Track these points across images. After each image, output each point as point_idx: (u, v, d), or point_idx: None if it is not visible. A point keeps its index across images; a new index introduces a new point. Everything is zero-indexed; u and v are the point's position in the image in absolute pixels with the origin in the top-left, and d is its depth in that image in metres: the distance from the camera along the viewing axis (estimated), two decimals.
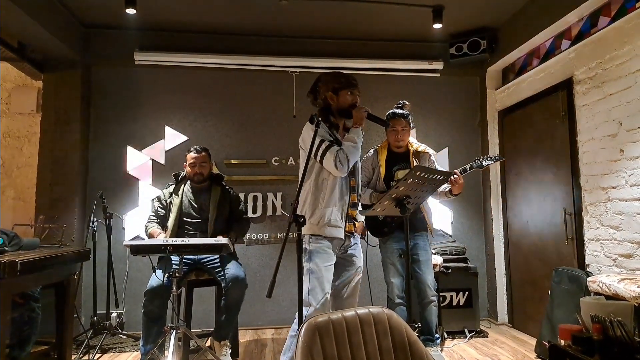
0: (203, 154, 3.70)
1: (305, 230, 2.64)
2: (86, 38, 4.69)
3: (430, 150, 3.72)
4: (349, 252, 2.81)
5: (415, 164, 3.55)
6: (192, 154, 3.68)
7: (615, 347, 2.40)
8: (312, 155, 2.63)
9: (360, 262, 2.85)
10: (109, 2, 4.15)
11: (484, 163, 3.35)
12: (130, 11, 4.06)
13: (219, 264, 3.49)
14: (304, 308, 2.57)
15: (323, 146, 2.63)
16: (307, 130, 2.73)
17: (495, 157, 3.39)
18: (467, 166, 3.35)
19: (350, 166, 2.68)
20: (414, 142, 3.74)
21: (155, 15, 4.48)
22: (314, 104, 2.89)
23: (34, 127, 4.81)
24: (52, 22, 4.04)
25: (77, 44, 4.55)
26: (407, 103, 3.61)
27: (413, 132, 4.74)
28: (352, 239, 2.83)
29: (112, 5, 4.18)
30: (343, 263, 2.79)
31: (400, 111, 3.57)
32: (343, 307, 2.70)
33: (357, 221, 2.90)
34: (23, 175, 4.82)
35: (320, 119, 2.62)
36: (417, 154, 3.64)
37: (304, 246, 2.65)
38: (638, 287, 2.63)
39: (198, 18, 4.56)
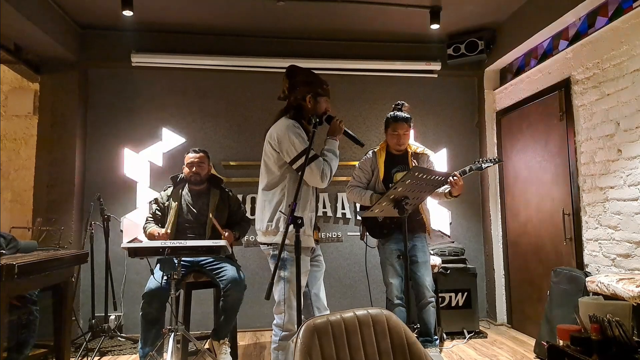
0: (201, 154, 3.70)
1: (274, 239, 2.62)
2: (83, 40, 4.68)
3: (429, 152, 3.72)
4: (315, 253, 2.84)
5: (414, 164, 3.54)
6: (190, 154, 3.69)
7: (614, 347, 2.39)
8: (288, 162, 2.58)
9: (324, 263, 2.91)
10: (106, 3, 4.14)
11: (484, 166, 3.35)
12: (127, 13, 4.05)
13: (217, 266, 3.48)
14: (278, 315, 2.59)
15: (309, 155, 2.49)
16: (286, 133, 2.59)
17: (494, 159, 3.39)
18: (467, 168, 3.35)
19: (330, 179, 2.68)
20: (413, 144, 3.74)
21: (152, 16, 4.47)
22: (283, 98, 2.82)
23: (30, 129, 4.80)
24: (48, 24, 4.03)
25: (73, 46, 4.54)
26: (405, 104, 3.59)
27: (411, 133, 4.74)
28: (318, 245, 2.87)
29: (108, 6, 4.18)
30: (312, 265, 2.79)
31: (402, 114, 3.54)
32: (321, 305, 2.78)
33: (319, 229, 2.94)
34: (20, 178, 4.80)
35: (294, 119, 2.65)
36: (416, 155, 3.63)
37: (275, 253, 2.62)
38: (636, 286, 2.63)
39: (195, 20, 4.56)
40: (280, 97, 2.84)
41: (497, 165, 4.98)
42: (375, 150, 3.72)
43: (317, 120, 2.52)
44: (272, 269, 2.40)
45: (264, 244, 2.69)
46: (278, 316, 2.61)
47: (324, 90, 2.76)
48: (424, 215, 3.62)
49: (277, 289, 2.57)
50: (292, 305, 2.55)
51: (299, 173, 2.49)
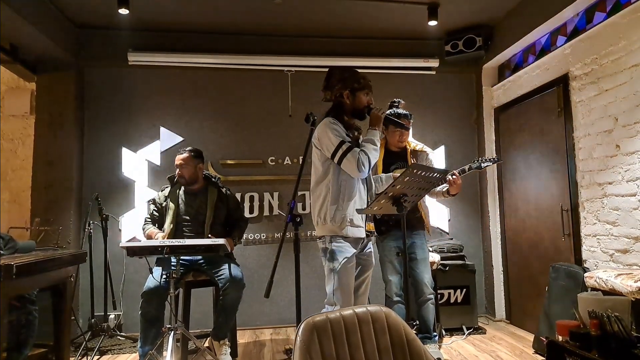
0: (185, 155, 3.64)
1: (325, 231, 2.70)
2: (79, 39, 4.66)
3: (428, 149, 3.71)
4: (366, 250, 2.86)
5: (412, 161, 3.54)
6: (177, 156, 3.68)
7: (613, 342, 2.40)
8: (330, 156, 2.66)
9: (373, 259, 2.92)
10: (102, 2, 4.12)
11: (483, 165, 3.34)
12: (123, 11, 4.04)
13: (216, 265, 3.48)
14: (329, 307, 2.63)
15: (344, 147, 2.63)
16: (324, 129, 2.71)
17: (493, 159, 3.39)
18: (466, 167, 3.34)
19: (371, 168, 2.72)
20: (411, 141, 3.74)
21: (149, 15, 4.45)
22: (325, 99, 2.87)
23: (27, 129, 4.78)
24: (44, 23, 4.01)
25: (70, 45, 4.52)
26: (402, 102, 3.59)
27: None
28: (371, 237, 2.90)
29: (105, 5, 4.16)
30: (360, 262, 2.83)
31: (403, 112, 3.55)
32: (358, 303, 2.77)
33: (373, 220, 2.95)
34: (18, 178, 4.79)
35: (332, 116, 2.69)
36: (415, 152, 3.63)
37: (324, 246, 2.70)
38: (635, 282, 2.64)
39: (192, 18, 4.54)
40: (324, 100, 2.89)
41: None
42: None
43: (314, 118, 2.59)
44: (323, 262, 2.63)
45: (318, 237, 2.79)
46: (329, 307, 2.66)
47: (360, 84, 2.79)
48: (423, 212, 3.62)
49: (329, 280, 2.64)
50: (340, 298, 2.60)
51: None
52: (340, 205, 2.66)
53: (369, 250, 2.90)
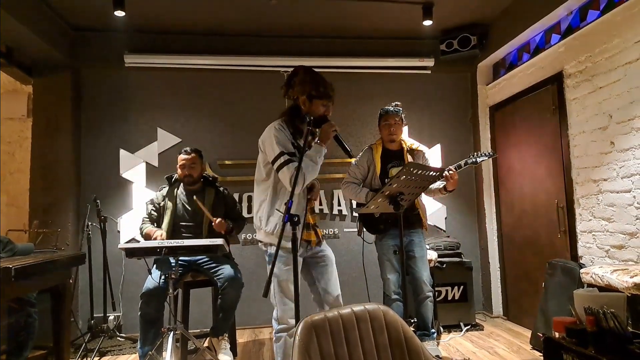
0: (193, 155, 3.68)
1: (262, 237, 2.64)
2: (75, 41, 4.66)
3: (424, 148, 3.74)
4: (315, 249, 2.75)
5: (409, 160, 3.56)
6: (182, 156, 3.68)
7: (609, 338, 2.42)
8: (270, 162, 2.55)
9: (330, 252, 2.82)
10: (98, 4, 4.12)
11: (479, 160, 3.37)
12: (119, 13, 4.03)
13: (215, 265, 3.49)
14: (275, 309, 2.62)
15: (281, 159, 2.48)
16: (269, 134, 2.58)
17: (488, 153, 3.41)
18: (462, 162, 3.37)
19: (306, 184, 2.56)
20: (408, 140, 3.76)
21: (145, 17, 4.46)
22: (284, 96, 2.74)
23: (25, 132, 4.78)
24: (40, 26, 4.01)
25: (66, 48, 4.52)
26: (398, 103, 3.65)
27: (405, 129, 4.76)
28: (314, 246, 2.74)
29: (100, 7, 4.15)
30: (315, 262, 2.75)
31: (392, 107, 3.60)
32: (337, 303, 2.71)
33: (318, 228, 2.80)
34: (15, 181, 4.80)
35: (283, 119, 2.59)
36: (412, 151, 3.66)
37: (264, 249, 2.66)
38: (631, 277, 2.66)
39: (188, 19, 4.55)
40: (284, 96, 2.77)
41: (491, 159, 5.02)
42: (372, 145, 3.74)
43: (311, 119, 2.47)
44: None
45: (258, 241, 2.75)
46: (274, 310, 2.65)
47: (318, 92, 2.60)
48: (421, 210, 3.64)
49: (272, 283, 2.58)
50: (282, 300, 2.57)
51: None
52: (274, 212, 2.55)
53: (320, 251, 2.77)
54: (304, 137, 2.41)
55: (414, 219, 3.61)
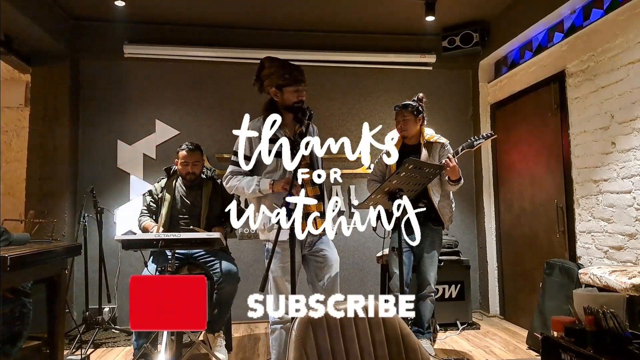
0: (196, 152, 3.61)
1: (260, 234, 2.69)
2: (75, 31, 4.62)
3: (443, 140, 3.64)
4: (316, 246, 2.69)
5: (424, 154, 3.52)
6: (184, 152, 3.58)
7: (608, 338, 2.41)
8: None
9: (332, 253, 2.71)
10: None
11: (475, 143, 3.29)
12: (119, 3, 4.01)
13: (211, 259, 3.48)
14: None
15: (230, 169, 2.67)
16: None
17: (486, 135, 3.34)
18: (459, 148, 3.30)
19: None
20: (427, 133, 3.67)
21: (145, 7, 4.42)
22: (260, 92, 2.72)
23: (22, 121, 4.75)
24: (40, 14, 3.98)
25: (65, 37, 4.49)
26: (421, 95, 3.65)
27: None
28: (315, 236, 2.65)
29: None
30: (315, 260, 2.70)
31: (405, 102, 3.56)
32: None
33: (320, 218, 2.56)
34: (12, 170, 4.77)
35: (262, 117, 2.57)
36: (429, 144, 3.57)
37: (265, 246, 2.70)
38: (629, 278, 2.65)
39: (188, 10, 4.51)
40: (259, 91, 2.75)
41: (490, 158, 5.01)
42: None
43: (311, 113, 2.49)
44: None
45: None
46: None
47: (285, 80, 2.56)
48: (441, 208, 3.53)
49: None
50: (276, 296, 2.56)
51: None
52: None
53: (320, 245, 2.68)
54: (305, 130, 2.44)
55: (434, 214, 3.55)
